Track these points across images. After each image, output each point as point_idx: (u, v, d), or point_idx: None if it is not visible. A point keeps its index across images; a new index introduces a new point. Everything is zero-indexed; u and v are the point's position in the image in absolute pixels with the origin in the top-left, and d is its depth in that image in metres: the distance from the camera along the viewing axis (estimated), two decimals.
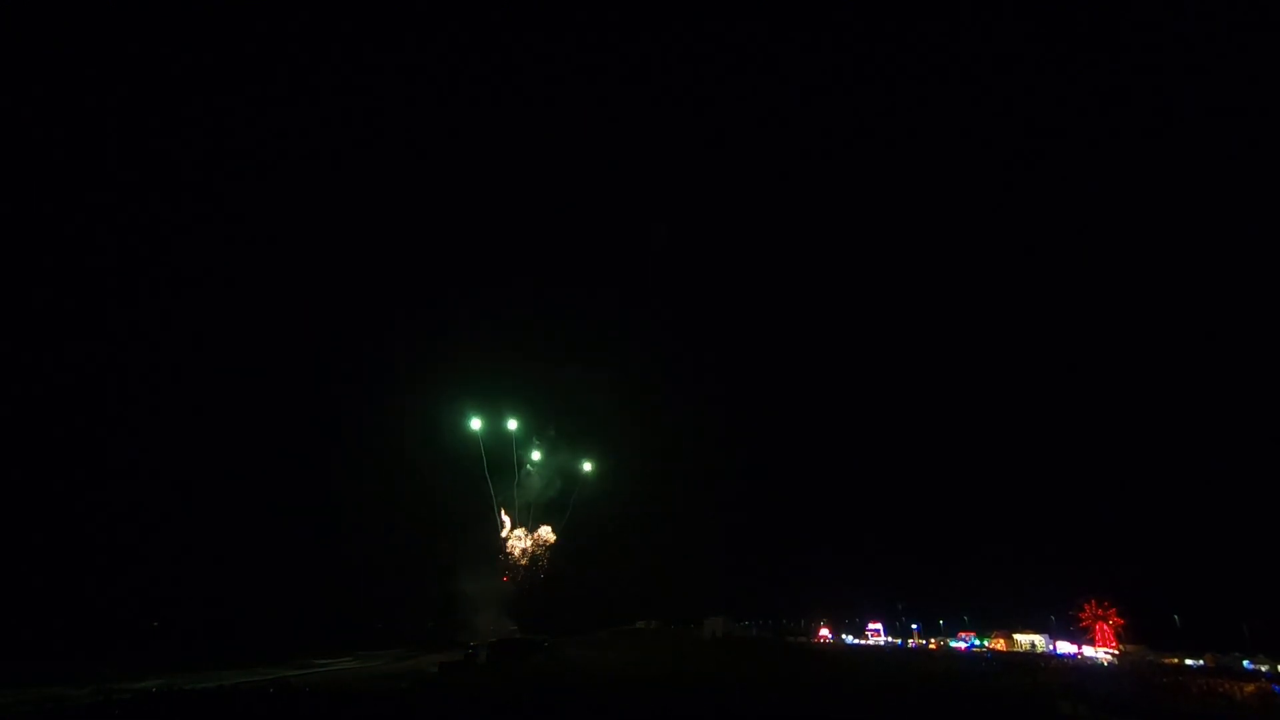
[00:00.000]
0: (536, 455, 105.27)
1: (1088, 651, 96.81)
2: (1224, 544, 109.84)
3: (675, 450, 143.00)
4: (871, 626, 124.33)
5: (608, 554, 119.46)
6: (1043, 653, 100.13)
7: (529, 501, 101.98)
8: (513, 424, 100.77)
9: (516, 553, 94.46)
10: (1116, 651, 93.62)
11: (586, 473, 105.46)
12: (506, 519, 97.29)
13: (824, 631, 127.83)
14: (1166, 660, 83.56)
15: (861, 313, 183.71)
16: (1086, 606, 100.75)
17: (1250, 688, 57.08)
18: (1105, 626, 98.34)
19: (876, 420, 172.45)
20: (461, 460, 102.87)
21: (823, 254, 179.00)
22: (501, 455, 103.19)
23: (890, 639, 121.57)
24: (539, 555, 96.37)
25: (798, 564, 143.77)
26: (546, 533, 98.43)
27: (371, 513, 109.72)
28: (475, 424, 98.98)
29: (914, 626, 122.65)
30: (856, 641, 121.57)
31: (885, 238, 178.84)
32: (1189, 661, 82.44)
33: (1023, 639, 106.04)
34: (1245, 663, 78.90)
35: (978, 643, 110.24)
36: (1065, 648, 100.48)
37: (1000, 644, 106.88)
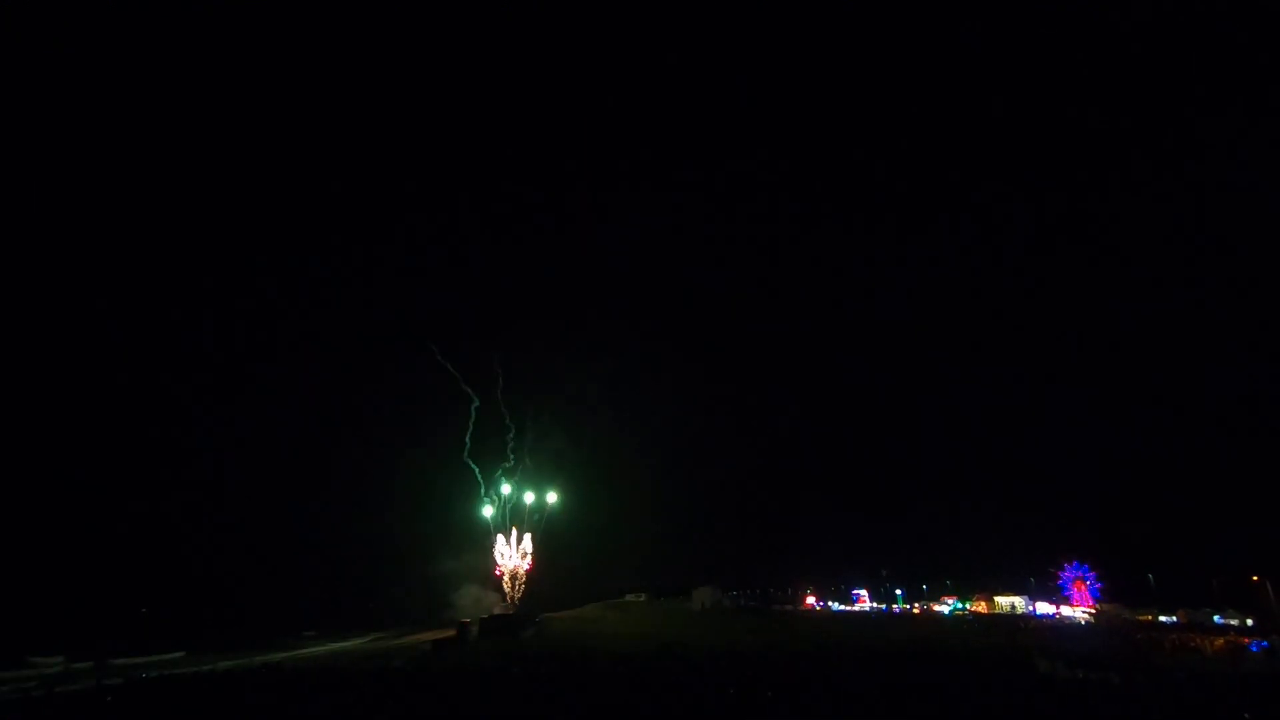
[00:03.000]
0: (529, 498, 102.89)
1: (1066, 611, 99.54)
2: (1194, 504, 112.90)
3: (662, 425, 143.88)
4: (857, 593, 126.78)
5: (596, 528, 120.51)
6: (1022, 614, 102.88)
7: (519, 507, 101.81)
8: (506, 488, 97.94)
9: (507, 575, 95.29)
10: (1093, 610, 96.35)
11: (551, 505, 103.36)
12: (501, 540, 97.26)
13: (810, 599, 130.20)
14: (1141, 618, 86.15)
15: (844, 291, 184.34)
16: (1064, 568, 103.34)
17: (1220, 641, 59.28)
18: (1082, 587, 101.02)
19: (859, 391, 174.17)
20: (451, 447, 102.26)
21: (810, 243, 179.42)
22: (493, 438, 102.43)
23: (875, 605, 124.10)
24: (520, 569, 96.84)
25: (784, 534, 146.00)
26: (527, 544, 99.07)
27: (360, 495, 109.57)
28: (488, 511, 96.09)
29: (898, 592, 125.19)
30: (842, 608, 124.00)
31: (869, 230, 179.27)
32: (1163, 618, 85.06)
33: (1003, 601, 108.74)
34: (1215, 617, 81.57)
35: (960, 606, 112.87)
36: (1044, 608, 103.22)
37: (982, 606, 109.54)
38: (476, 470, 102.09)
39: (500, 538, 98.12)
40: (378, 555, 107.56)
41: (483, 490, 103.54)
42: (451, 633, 71.45)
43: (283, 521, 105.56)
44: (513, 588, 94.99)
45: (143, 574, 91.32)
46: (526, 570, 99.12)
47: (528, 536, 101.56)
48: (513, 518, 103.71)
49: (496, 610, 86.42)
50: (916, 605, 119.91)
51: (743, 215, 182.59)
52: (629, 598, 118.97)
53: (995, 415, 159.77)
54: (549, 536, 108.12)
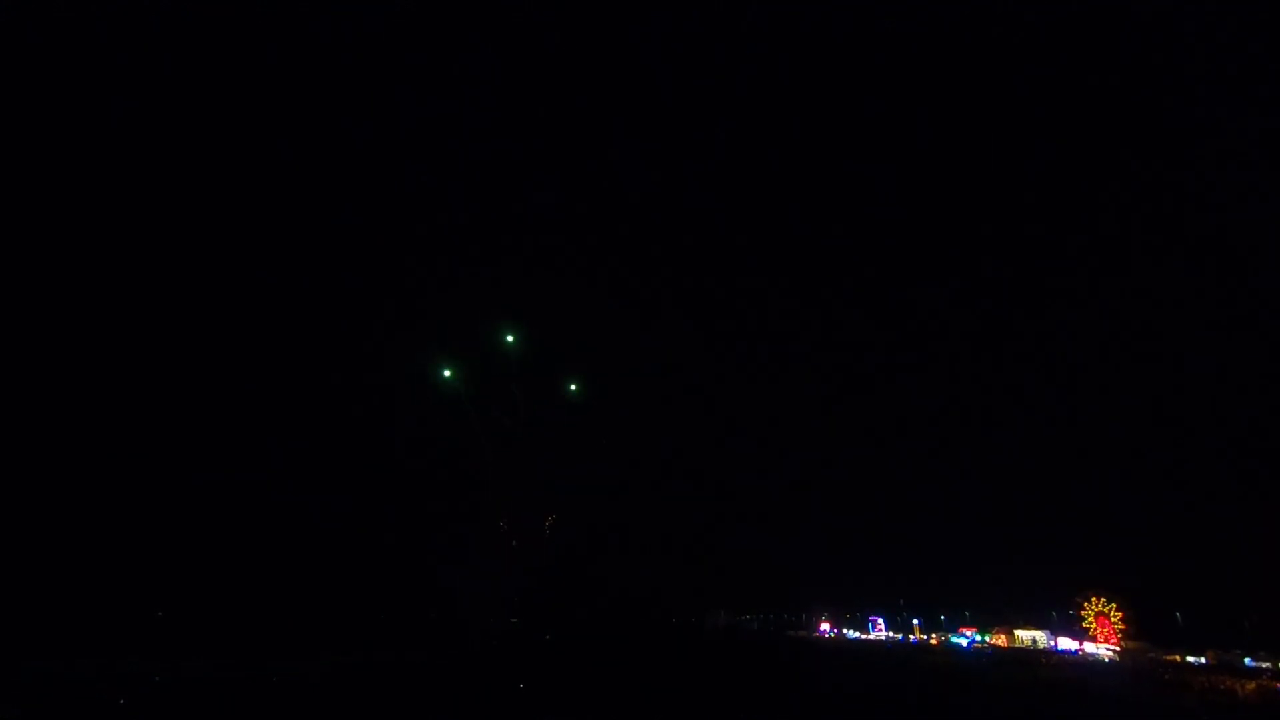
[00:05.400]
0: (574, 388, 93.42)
1: (1089, 648, 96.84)
2: (1225, 541, 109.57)
3: (679, 445, 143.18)
4: (874, 621, 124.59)
5: (607, 549, 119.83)
6: (1044, 649, 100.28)
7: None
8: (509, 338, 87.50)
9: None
10: (1118, 648, 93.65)
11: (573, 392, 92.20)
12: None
13: (825, 626, 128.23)
14: (1168, 657, 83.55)
15: (859, 305, 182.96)
16: (1088, 603, 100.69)
17: (1251, 685, 57.13)
18: (1107, 623, 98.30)
19: (880, 416, 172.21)
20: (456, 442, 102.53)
21: (822, 248, 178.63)
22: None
23: (892, 634, 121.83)
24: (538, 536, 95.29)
25: (800, 559, 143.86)
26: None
27: (366, 504, 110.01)
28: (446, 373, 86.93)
29: (915, 621, 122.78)
30: (858, 636, 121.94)
31: (883, 233, 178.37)
32: (1190, 658, 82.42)
33: (1024, 635, 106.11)
34: (1247, 660, 78.83)
35: (979, 638, 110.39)
36: (1066, 644, 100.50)
37: (1001, 640, 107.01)
38: None
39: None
40: (383, 560, 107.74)
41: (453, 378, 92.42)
42: (460, 644, 71.35)
43: (291, 525, 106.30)
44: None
45: (147, 578, 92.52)
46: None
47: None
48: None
49: (495, 628, 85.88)
50: (934, 636, 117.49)
51: (758, 230, 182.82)
52: (640, 618, 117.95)
53: (1018, 441, 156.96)
54: (561, 547, 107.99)
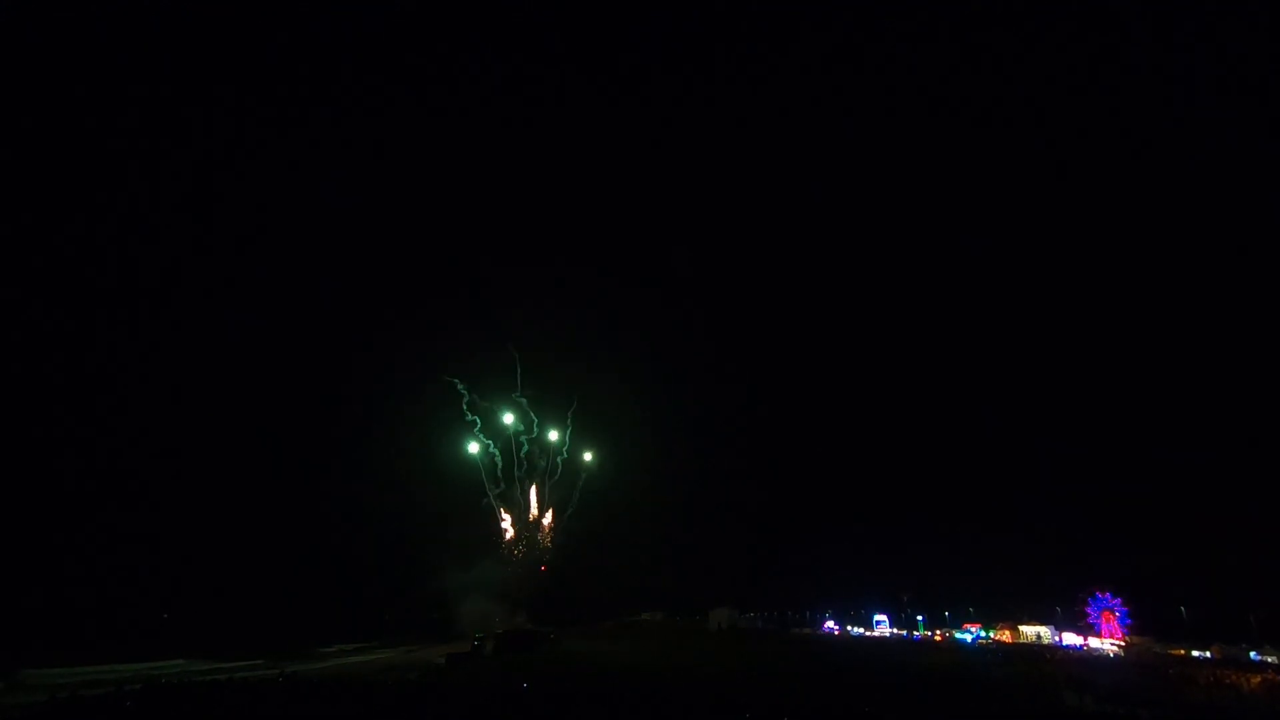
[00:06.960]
0: (555, 435, 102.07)
1: (1094, 643, 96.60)
2: (1231, 535, 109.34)
3: (682, 442, 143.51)
4: (877, 619, 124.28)
5: (612, 545, 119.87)
6: (1048, 644, 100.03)
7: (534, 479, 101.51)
8: (509, 418, 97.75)
9: (512, 536, 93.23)
10: (1123, 643, 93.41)
11: (588, 463, 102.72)
12: (506, 517, 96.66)
13: (830, 624, 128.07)
14: (1173, 652, 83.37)
15: (867, 305, 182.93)
16: (1092, 598, 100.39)
17: (1257, 679, 57.11)
18: (1111, 618, 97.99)
19: (883, 413, 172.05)
20: (463, 459, 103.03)
21: (828, 251, 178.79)
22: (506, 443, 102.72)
23: (896, 631, 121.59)
24: (539, 542, 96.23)
25: (803, 556, 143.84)
26: (546, 521, 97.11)
27: (376, 506, 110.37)
28: (474, 448, 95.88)
29: (919, 618, 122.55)
30: (862, 633, 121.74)
31: (886, 237, 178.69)
32: (1195, 653, 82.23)
33: (1028, 630, 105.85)
34: (1252, 654, 78.58)
35: (983, 634, 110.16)
36: (1071, 639, 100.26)
37: (1006, 636, 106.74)
38: (460, 385, 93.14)
39: (507, 519, 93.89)
40: (386, 567, 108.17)
41: (465, 405, 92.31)
42: (465, 647, 71.44)
43: (301, 529, 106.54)
44: (520, 581, 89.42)
45: (158, 579, 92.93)
46: (545, 544, 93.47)
47: (549, 513, 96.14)
48: (526, 472, 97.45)
49: (499, 628, 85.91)
50: (939, 632, 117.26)
51: (761, 229, 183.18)
52: (645, 616, 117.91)
53: (1022, 437, 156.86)
54: (566, 545, 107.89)
